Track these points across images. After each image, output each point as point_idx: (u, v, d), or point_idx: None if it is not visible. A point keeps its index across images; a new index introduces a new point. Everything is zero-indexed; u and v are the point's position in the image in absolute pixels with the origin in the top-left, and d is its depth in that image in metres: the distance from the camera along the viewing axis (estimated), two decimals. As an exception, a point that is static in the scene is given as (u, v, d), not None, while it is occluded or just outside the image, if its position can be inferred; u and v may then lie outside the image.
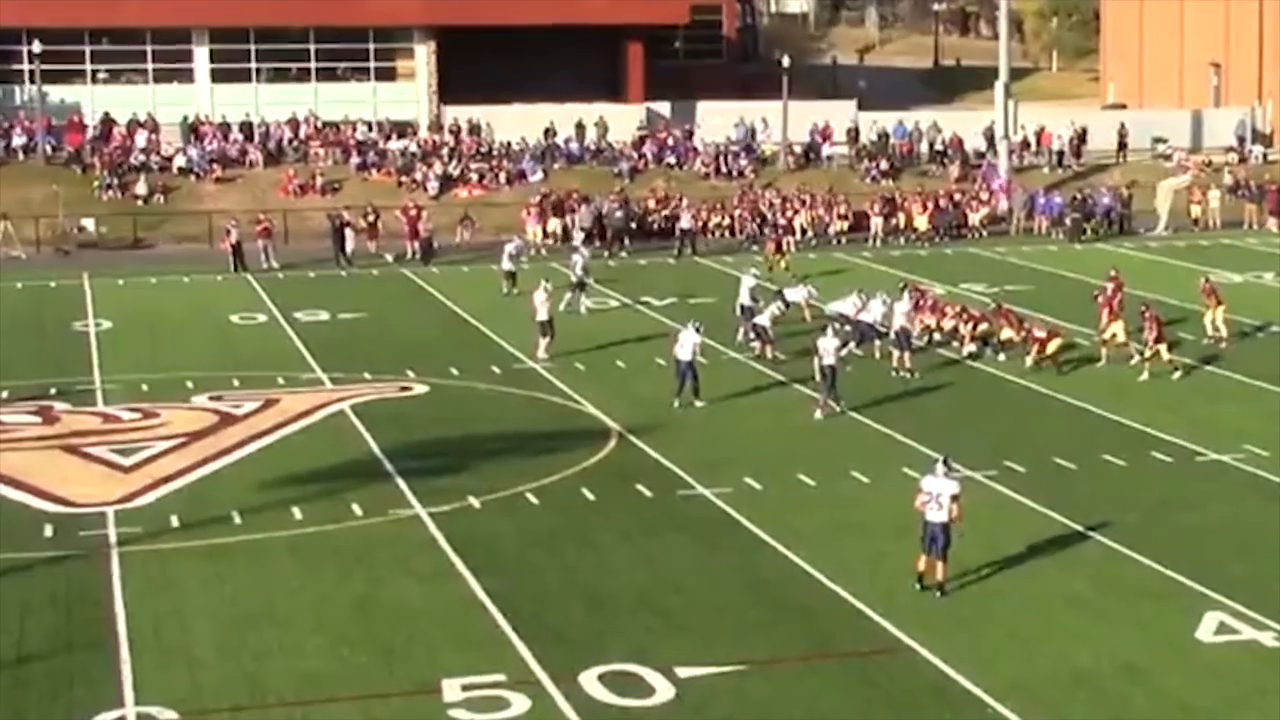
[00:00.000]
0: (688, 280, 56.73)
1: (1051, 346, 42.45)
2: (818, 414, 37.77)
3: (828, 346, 37.82)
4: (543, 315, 44.23)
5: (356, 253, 61.52)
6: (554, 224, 65.74)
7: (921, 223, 67.30)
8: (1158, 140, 79.78)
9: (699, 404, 38.63)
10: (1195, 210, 70.24)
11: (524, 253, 57.00)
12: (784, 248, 59.22)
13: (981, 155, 75.81)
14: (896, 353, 42.02)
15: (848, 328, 44.17)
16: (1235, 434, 36.10)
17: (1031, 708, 21.98)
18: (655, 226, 67.10)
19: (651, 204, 68.43)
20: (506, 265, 54.42)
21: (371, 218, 62.96)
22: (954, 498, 26.29)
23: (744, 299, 46.05)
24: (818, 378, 38.17)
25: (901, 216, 67.60)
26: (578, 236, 64.15)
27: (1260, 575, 27.02)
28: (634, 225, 66.05)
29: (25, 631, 25.11)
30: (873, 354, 43.52)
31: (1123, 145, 78.70)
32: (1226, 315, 46.35)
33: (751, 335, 44.60)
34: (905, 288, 46.23)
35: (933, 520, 26.27)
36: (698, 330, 39.17)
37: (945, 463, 26.92)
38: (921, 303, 45.66)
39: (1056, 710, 22.01)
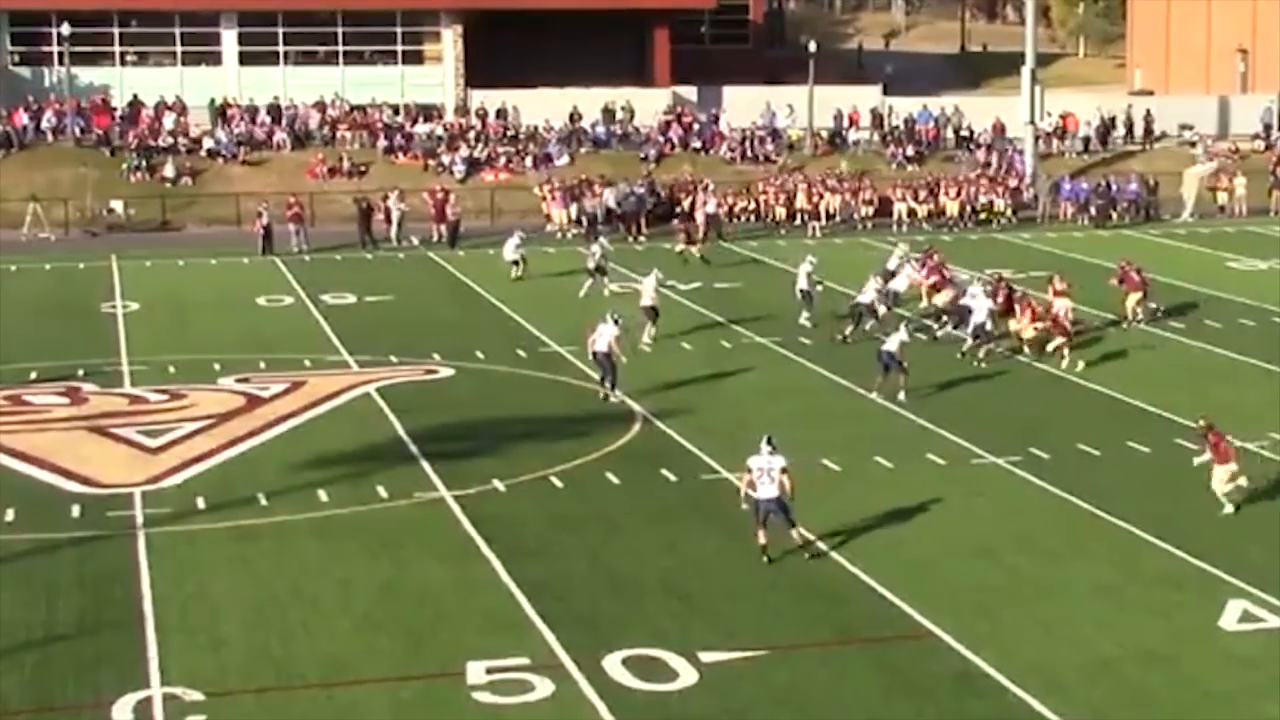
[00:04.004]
0: (713, 265, 56.72)
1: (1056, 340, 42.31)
2: (900, 395, 37.76)
3: (894, 337, 38.01)
4: (647, 301, 44.15)
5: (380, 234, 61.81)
6: (574, 209, 65.55)
7: (953, 208, 67.29)
8: (1184, 127, 79.53)
9: (614, 398, 37.96)
10: (1221, 197, 70.07)
11: (527, 243, 56.33)
12: (693, 235, 58.34)
13: (1008, 141, 75.59)
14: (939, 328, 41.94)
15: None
16: (1259, 421, 36.06)
17: (1054, 694, 22.01)
18: (678, 210, 67.10)
19: (676, 182, 68.46)
20: (511, 254, 54.42)
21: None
22: (783, 470, 26.99)
23: (802, 284, 46.59)
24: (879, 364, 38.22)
25: (933, 202, 67.52)
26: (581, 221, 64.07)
27: (1284, 563, 27.07)
28: (653, 209, 66.02)
29: (52, 612, 25.29)
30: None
31: (1149, 132, 78.49)
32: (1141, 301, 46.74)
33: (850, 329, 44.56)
34: (927, 251, 46.92)
35: (764, 497, 26.86)
36: (616, 323, 38.27)
37: (769, 442, 27.31)
38: (940, 282, 45.98)
39: (1079, 697, 22.04)
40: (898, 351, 37.77)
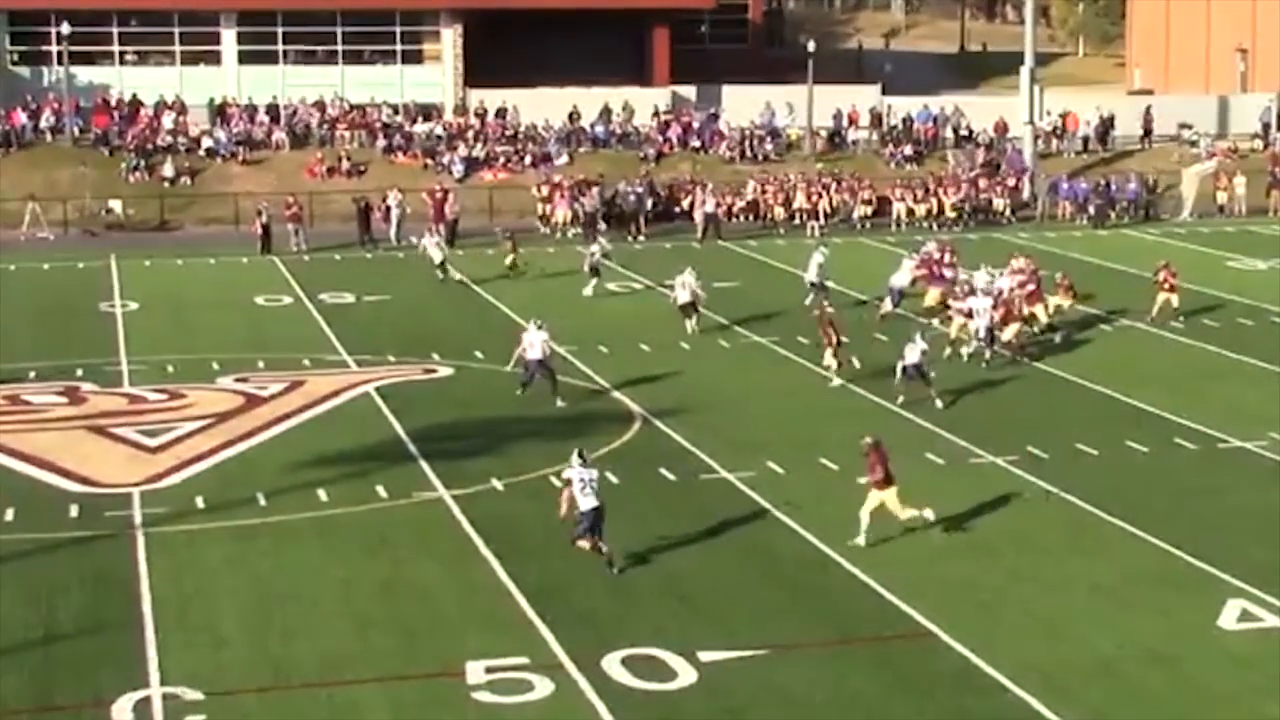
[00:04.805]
0: (712, 264, 56.61)
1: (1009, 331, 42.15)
2: (938, 404, 37.44)
3: (913, 348, 37.49)
4: (684, 298, 44.94)
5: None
6: (577, 207, 65.41)
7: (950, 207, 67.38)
8: (1184, 126, 79.51)
9: (560, 404, 37.65)
10: (1221, 196, 70.06)
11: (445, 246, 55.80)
12: (517, 244, 57.18)
13: (1007, 140, 75.54)
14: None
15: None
16: (1258, 420, 36.08)
17: (1053, 693, 22.03)
18: (678, 210, 67.21)
19: (675, 182, 68.56)
20: (437, 255, 54.06)
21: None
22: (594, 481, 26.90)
23: (812, 275, 48.01)
24: (898, 377, 37.69)
25: (931, 201, 67.52)
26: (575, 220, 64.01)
27: (1283, 563, 27.07)
28: (653, 208, 66.10)
29: (52, 612, 25.30)
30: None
31: (1148, 131, 78.45)
32: (1072, 305, 46.60)
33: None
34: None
35: (587, 507, 26.59)
36: (540, 328, 37.95)
37: (580, 454, 27.16)
38: (927, 278, 46.26)
39: (1078, 696, 22.06)
40: (921, 362, 37.50)
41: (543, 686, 22.42)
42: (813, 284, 48.03)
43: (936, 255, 48.38)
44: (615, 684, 22.51)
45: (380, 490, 31.12)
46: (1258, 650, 23.68)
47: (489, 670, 22.84)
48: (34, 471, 32.91)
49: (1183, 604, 25.43)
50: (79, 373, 41.02)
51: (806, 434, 35.36)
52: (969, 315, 41.59)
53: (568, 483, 26.93)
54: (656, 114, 76.33)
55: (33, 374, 40.95)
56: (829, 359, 39.53)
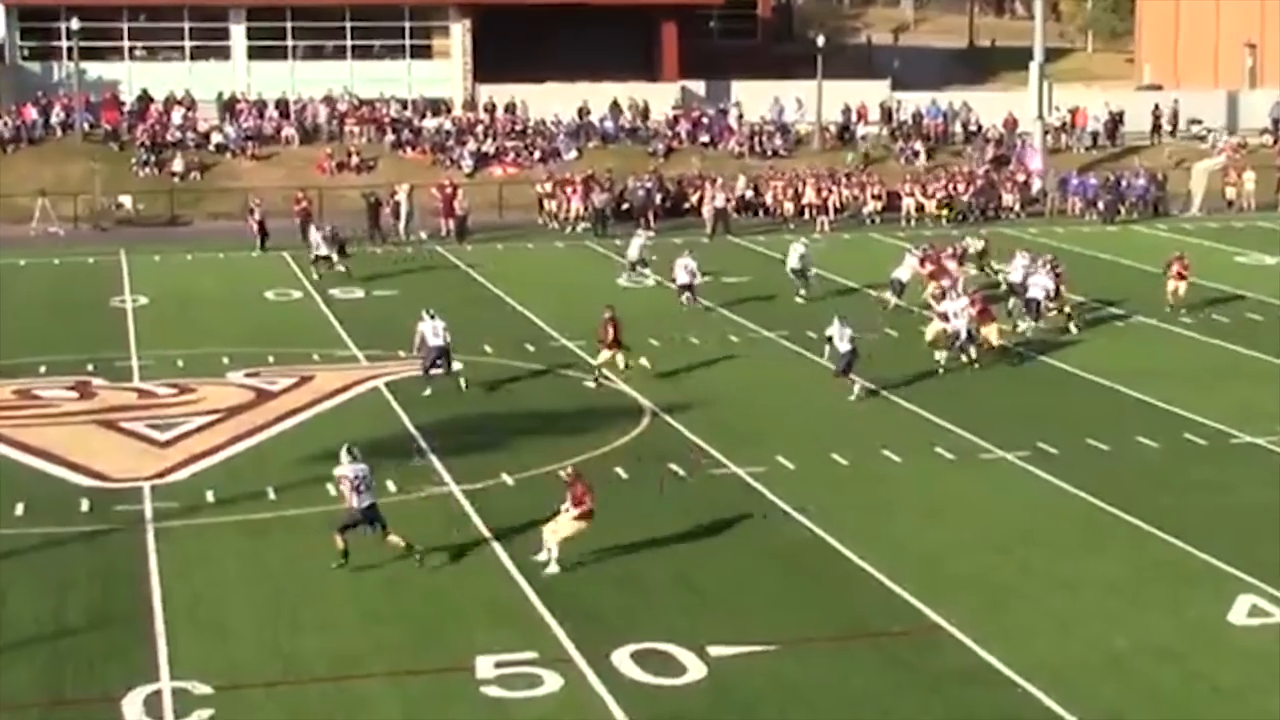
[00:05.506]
0: (722, 259, 56.60)
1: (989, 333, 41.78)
2: (853, 394, 37.62)
3: (843, 333, 37.60)
4: (684, 279, 47.15)
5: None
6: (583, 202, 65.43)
7: (960, 204, 67.21)
8: (1193, 122, 79.43)
9: (427, 393, 37.90)
10: (1230, 192, 69.98)
11: (339, 237, 55.29)
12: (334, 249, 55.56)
13: (1017, 136, 75.48)
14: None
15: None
16: (1269, 416, 36.02)
17: (1062, 689, 22.01)
18: (687, 205, 67.23)
19: (684, 177, 68.58)
20: (323, 250, 53.75)
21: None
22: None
23: (793, 263, 49.66)
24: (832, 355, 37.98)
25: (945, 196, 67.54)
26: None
27: (1293, 558, 27.03)
28: (662, 203, 66.10)
29: (62, 606, 25.31)
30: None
31: (1158, 127, 78.37)
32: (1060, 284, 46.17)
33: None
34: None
35: (364, 505, 26.55)
36: (434, 317, 38.11)
37: (350, 451, 26.95)
38: (936, 272, 46.25)
39: (1087, 692, 22.04)
40: (853, 345, 37.56)
41: (552, 681, 22.43)
42: (794, 270, 49.43)
43: (945, 251, 48.57)
44: (625, 679, 22.52)
45: (390, 485, 31.06)
46: (1268, 646, 23.66)
47: (498, 665, 22.85)
48: (44, 466, 32.94)
49: (1192, 599, 25.42)
50: (89, 367, 41.04)
51: (816, 428, 35.35)
52: (945, 318, 41.37)
53: (344, 479, 26.85)
54: (646, 110, 76.36)
55: (43, 368, 40.98)
56: (604, 358, 38.96)
